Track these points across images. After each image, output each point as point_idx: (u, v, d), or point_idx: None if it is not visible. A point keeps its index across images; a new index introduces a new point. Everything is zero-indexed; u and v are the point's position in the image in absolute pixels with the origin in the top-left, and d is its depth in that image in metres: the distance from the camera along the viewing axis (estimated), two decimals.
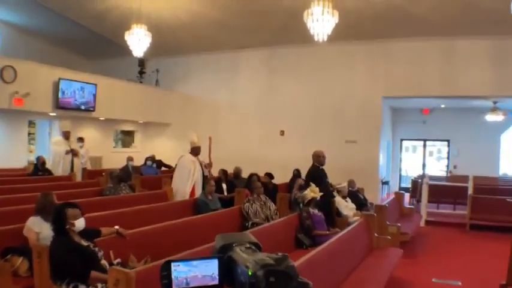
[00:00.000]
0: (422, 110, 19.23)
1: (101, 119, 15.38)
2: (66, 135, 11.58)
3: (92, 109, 13.91)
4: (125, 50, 12.77)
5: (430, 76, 13.36)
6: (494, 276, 6.91)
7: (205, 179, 9.30)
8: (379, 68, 14.07)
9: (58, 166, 11.48)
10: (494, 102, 15.68)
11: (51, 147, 12.10)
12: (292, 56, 15.32)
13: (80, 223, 4.45)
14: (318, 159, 8.57)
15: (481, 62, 12.81)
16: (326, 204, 8.43)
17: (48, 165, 11.79)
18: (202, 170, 9.53)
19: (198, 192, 9.00)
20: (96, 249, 4.50)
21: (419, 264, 8.27)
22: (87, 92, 13.66)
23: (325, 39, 9.32)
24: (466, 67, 12.94)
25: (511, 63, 12.57)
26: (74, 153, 11.62)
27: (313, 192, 7.72)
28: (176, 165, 9.93)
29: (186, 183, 9.22)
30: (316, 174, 8.44)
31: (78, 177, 11.79)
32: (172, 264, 1.73)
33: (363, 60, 14.31)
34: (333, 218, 8.60)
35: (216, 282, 1.82)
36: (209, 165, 10.01)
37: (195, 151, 9.56)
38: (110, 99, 14.58)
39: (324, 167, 8.91)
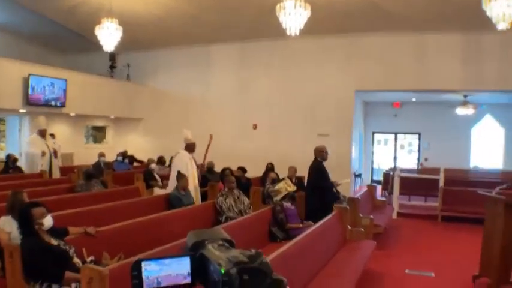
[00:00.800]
0: (393, 103, 19.40)
1: (72, 114, 15.15)
2: (43, 133, 11.06)
3: (62, 105, 13.67)
4: (95, 45, 12.59)
5: (401, 70, 13.46)
6: (467, 267, 7.02)
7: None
8: (352, 62, 14.11)
9: (34, 167, 11.00)
10: (465, 96, 15.89)
11: (27, 148, 11.48)
12: (264, 50, 15.27)
13: (48, 221, 4.38)
14: (321, 154, 8.46)
15: (452, 56, 12.94)
16: (329, 198, 8.32)
17: (22, 166, 11.49)
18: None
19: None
20: (67, 247, 4.43)
21: (393, 256, 8.35)
22: (57, 88, 13.42)
23: (298, 33, 9.31)
24: (437, 61, 13.07)
25: (481, 57, 12.73)
26: (54, 154, 11.21)
27: (287, 186, 7.73)
28: (168, 162, 9.61)
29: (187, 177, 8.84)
30: (320, 170, 8.36)
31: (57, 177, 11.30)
32: (142, 263, 1.69)
33: (335, 55, 14.32)
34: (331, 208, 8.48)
35: (188, 281, 1.78)
36: (202, 165, 9.70)
37: (190, 148, 9.29)
38: (80, 95, 14.35)
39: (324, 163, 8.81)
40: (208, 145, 9.84)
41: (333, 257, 6.17)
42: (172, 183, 8.87)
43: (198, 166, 9.41)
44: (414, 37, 13.32)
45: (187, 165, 8.92)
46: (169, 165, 11.73)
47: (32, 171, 10.96)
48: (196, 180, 9.19)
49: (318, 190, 8.06)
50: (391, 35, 13.50)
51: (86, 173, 9.46)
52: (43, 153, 10.89)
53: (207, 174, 11.48)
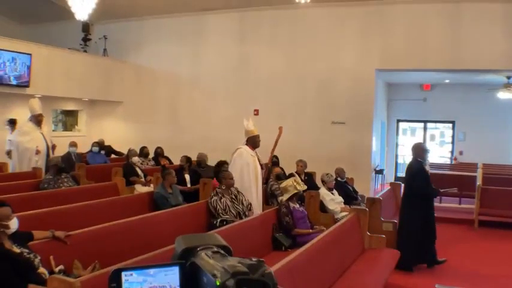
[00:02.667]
0: (422, 85, 19.36)
1: (37, 96, 15.11)
2: (38, 120, 10.54)
3: (25, 84, 13.66)
4: (66, 13, 12.55)
5: (432, 45, 13.40)
6: (508, 282, 7.03)
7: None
8: (373, 36, 14.05)
9: (25, 164, 10.43)
10: (508, 77, 15.83)
11: (16, 139, 10.73)
12: (268, 20, 15.21)
13: (14, 224, 4.38)
14: (420, 153, 8.33)
15: (493, 29, 12.87)
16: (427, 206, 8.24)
17: (10, 161, 10.98)
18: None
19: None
20: (32, 255, 4.43)
21: (420, 268, 8.34)
22: (20, 64, 13.38)
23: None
24: (475, 35, 12.98)
25: None
26: (52, 148, 10.75)
27: (297, 183, 7.72)
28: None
29: (250, 185, 8.21)
30: (421, 171, 8.26)
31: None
32: (123, 273, 1.70)
33: (353, 26, 14.27)
34: (433, 226, 8.23)
35: None
36: (266, 165, 9.01)
37: (253, 142, 8.60)
38: (48, 72, 14.34)
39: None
40: (277, 139, 9.36)
41: (349, 268, 6.18)
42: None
43: (262, 166, 8.68)
44: (448, 6, 13.26)
45: (248, 166, 8.28)
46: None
47: (21, 169, 10.42)
48: (260, 186, 8.53)
49: (417, 199, 7.99)
50: (420, 3, 13.45)
51: (54, 167, 9.46)
52: (37, 152, 10.36)
53: (198, 169, 11.51)
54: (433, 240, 8.15)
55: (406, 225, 7.99)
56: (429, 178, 8.38)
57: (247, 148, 8.50)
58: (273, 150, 9.27)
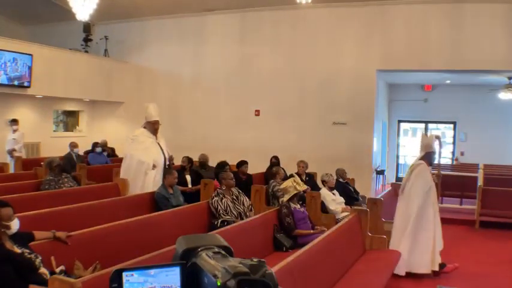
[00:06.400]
0: (423, 86, 19.34)
1: (38, 96, 15.13)
2: (155, 128, 9.51)
3: (27, 85, 13.65)
4: (67, 13, 12.54)
5: (433, 46, 13.39)
6: (509, 282, 7.01)
7: None
8: (374, 36, 14.06)
9: (138, 179, 9.22)
10: (509, 78, 15.80)
11: (128, 150, 9.67)
12: (269, 20, 15.22)
13: (15, 225, 4.38)
14: None
15: (495, 30, 12.86)
16: None
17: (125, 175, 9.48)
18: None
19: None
20: (33, 255, 4.42)
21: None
22: (21, 64, 13.37)
23: (309, 0, 9.27)
24: (476, 36, 12.97)
25: None
26: (170, 159, 9.58)
27: (297, 184, 7.71)
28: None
29: (428, 210, 7.51)
30: None
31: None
32: (124, 274, 1.70)
33: (354, 26, 14.26)
34: None
35: None
36: (437, 175, 8.28)
37: (431, 158, 7.85)
38: (49, 73, 14.33)
39: None
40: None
41: (350, 269, 6.18)
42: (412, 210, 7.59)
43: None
44: (449, 6, 13.25)
45: (430, 188, 7.57)
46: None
47: (136, 186, 9.20)
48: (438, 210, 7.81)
49: None
50: (421, 3, 13.43)
51: (56, 167, 9.43)
52: (154, 167, 9.18)
53: (199, 170, 11.49)
54: None
55: None
56: None
57: (425, 166, 7.66)
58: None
